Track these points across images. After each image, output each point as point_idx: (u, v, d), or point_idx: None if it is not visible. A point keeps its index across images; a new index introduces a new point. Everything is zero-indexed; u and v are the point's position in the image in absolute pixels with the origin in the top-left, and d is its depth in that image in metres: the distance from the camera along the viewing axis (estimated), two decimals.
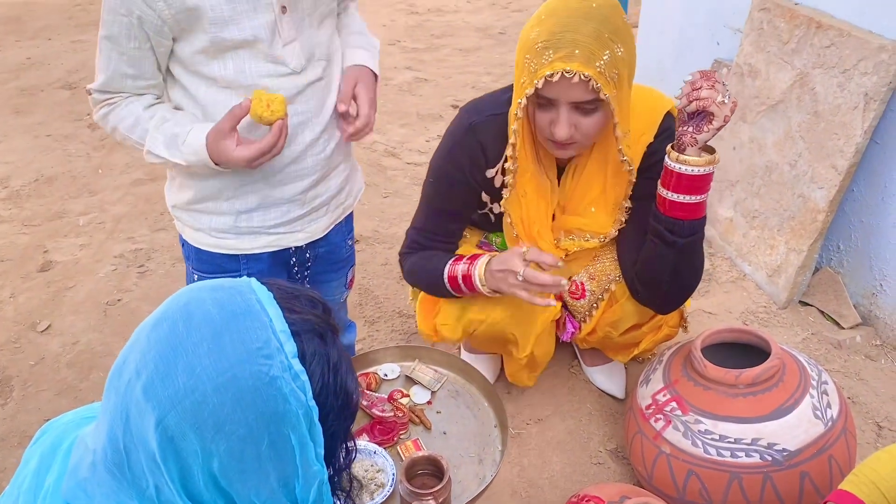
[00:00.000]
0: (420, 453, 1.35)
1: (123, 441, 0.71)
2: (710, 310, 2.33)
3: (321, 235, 1.58)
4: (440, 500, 1.23)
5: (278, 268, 1.56)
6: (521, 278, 1.47)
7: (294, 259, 1.57)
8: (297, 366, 0.72)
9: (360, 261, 2.44)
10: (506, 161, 1.57)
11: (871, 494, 1.14)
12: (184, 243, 1.57)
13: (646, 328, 1.79)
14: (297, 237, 1.53)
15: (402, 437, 1.46)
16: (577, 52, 1.35)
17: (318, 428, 0.74)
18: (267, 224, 1.49)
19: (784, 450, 1.43)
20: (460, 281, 1.60)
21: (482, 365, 2.02)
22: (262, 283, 0.77)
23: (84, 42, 5.06)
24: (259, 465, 0.71)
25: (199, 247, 1.51)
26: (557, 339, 1.88)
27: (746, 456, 1.44)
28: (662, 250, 1.54)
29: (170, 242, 2.79)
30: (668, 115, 1.62)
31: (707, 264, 2.53)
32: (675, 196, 1.46)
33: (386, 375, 1.60)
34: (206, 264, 1.53)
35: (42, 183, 3.26)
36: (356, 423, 1.49)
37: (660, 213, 1.51)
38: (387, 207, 3.04)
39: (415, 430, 1.48)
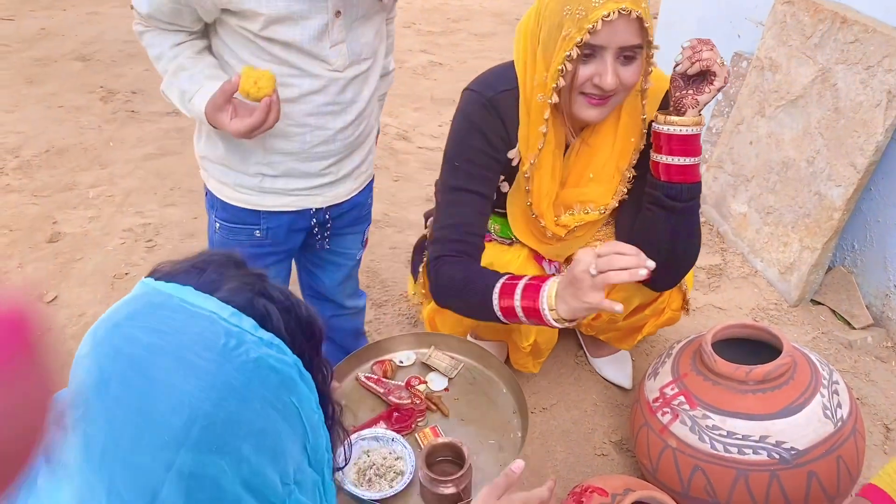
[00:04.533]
0: (440, 440, 1.32)
1: None
2: (720, 305, 2.31)
3: (343, 200, 1.58)
4: (461, 488, 1.20)
5: (297, 226, 1.57)
6: (594, 272, 1.25)
7: (314, 220, 1.57)
8: (265, 334, 0.70)
9: (369, 243, 2.43)
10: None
11: None
12: (207, 192, 1.58)
13: (648, 311, 1.78)
14: (317, 199, 1.54)
15: (419, 424, 1.44)
16: None
17: (308, 375, 0.73)
18: (289, 188, 1.50)
19: (792, 448, 1.42)
20: (520, 314, 1.42)
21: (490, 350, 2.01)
22: (158, 279, 0.72)
23: (99, 14, 5.05)
24: (280, 442, 0.70)
25: (223, 198, 1.52)
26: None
27: (754, 453, 1.43)
28: (659, 216, 1.53)
29: (179, 218, 2.78)
30: (668, 92, 1.60)
31: (718, 259, 2.52)
32: (670, 159, 1.47)
33: (401, 362, 1.58)
34: (230, 214, 1.54)
35: (53, 154, 3.25)
36: (373, 411, 1.47)
37: (656, 180, 1.51)
38: (397, 191, 3.02)
39: (432, 418, 1.45)
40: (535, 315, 1.39)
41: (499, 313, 1.45)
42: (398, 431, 1.40)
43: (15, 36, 4.60)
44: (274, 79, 1.27)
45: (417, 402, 1.46)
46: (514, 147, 1.58)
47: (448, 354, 1.59)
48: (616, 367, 2.02)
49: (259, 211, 1.52)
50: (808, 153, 2.26)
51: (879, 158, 2.05)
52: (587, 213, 1.65)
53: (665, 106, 1.56)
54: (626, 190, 1.64)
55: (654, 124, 1.48)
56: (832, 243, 2.20)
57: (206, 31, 1.40)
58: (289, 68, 1.33)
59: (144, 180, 3.06)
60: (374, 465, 1.33)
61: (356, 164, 1.56)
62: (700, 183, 1.53)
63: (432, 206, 2.89)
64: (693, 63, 1.39)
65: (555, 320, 1.37)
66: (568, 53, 1.38)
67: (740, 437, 1.44)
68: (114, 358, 0.66)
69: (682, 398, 1.54)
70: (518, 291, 1.41)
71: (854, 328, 2.19)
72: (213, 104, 1.29)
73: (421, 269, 1.93)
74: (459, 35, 4.86)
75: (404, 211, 2.86)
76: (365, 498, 1.24)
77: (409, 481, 1.29)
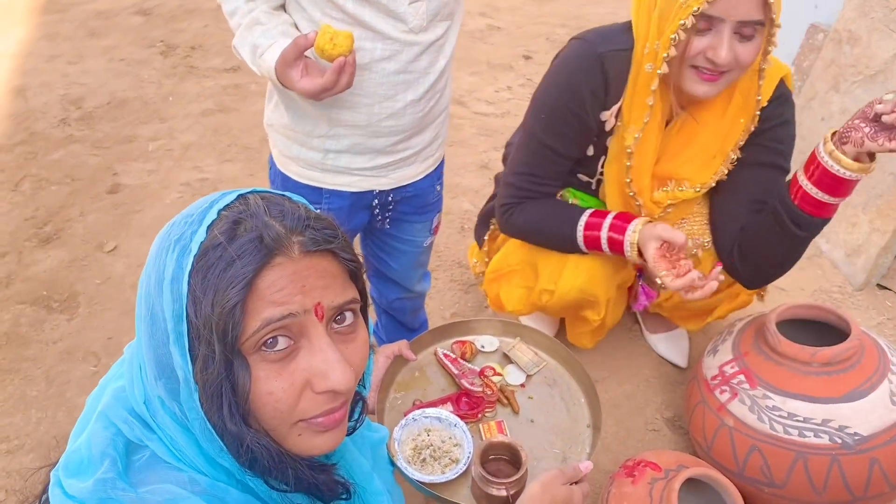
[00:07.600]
0: (500, 438, 1.27)
1: None
2: (781, 286, 2.25)
3: (407, 183, 1.53)
4: (512, 492, 1.16)
5: (360, 206, 1.52)
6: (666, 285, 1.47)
7: (376, 201, 1.52)
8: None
9: None
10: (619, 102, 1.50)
11: None
12: (272, 166, 1.54)
13: (723, 294, 1.72)
14: (382, 181, 1.49)
15: (486, 414, 1.40)
16: None
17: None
18: (353, 167, 1.45)
19: (856, 434, 1.37)
20: (604, 242, 1.56)
21: (541, 323, 1.99)
22: None
23: None
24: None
25: (286, 173, 1.49)
26: (627, 305, 1.82)
27: (815, 436, 1.39)
28: (776, 235, 1.46)
29: (235, 175, 2.81)
30: (782, 81, 1.53)
31: None
32: (814, 191, 1.37)
33: (483, 347, 1.54)
34: (291, 192, 1.50)
35: (114, 106, 3.30)
36: (443, 391, 1.44)
37: (789, 201, 1.42)
38: (451, 157, 2.98)
39: (501, 412, 1.41)
40: (616, 245, 1.54)
41: (581, 240, 1.58)
42: (463, 418, 1.36)
43: None
44: (352, 38, 1.21)
45: (489, 392, 1.42)
46: (609, 109, 1.52)
47: (532, 349, 1.53)
48: (672, 345, 1.99)
49: (321, 189, 1.47)
50: None
51: None
52: (682, 190, 1.59)
53: (779, 95, 1.50)
54: (726, 171, 1.58)
55: (818, 150, 1.36)
56: None
57: None
58: (361, 29, 1.27)
59: (202, 135, 3.09)
60: (431, 445, 1.30)
61: (424, 144, 1.49)
62: (830, 218, 1.43)
63: (486, 172, 2.87)
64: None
65: (631, 250, 1.51)
66: (682, 22, 1.32)
67: (801, 419, 1.41)
68: None
69: (742, 377, 1.50)
70: (607, 225, 1.55)
71: None
72: (283, 59, 1.23)
73: (486, 237, 1.91)
74: None
75: (458, 177, 2.84)
76: (413, 479, 1.22)
77: (461, 471, 1.25)
